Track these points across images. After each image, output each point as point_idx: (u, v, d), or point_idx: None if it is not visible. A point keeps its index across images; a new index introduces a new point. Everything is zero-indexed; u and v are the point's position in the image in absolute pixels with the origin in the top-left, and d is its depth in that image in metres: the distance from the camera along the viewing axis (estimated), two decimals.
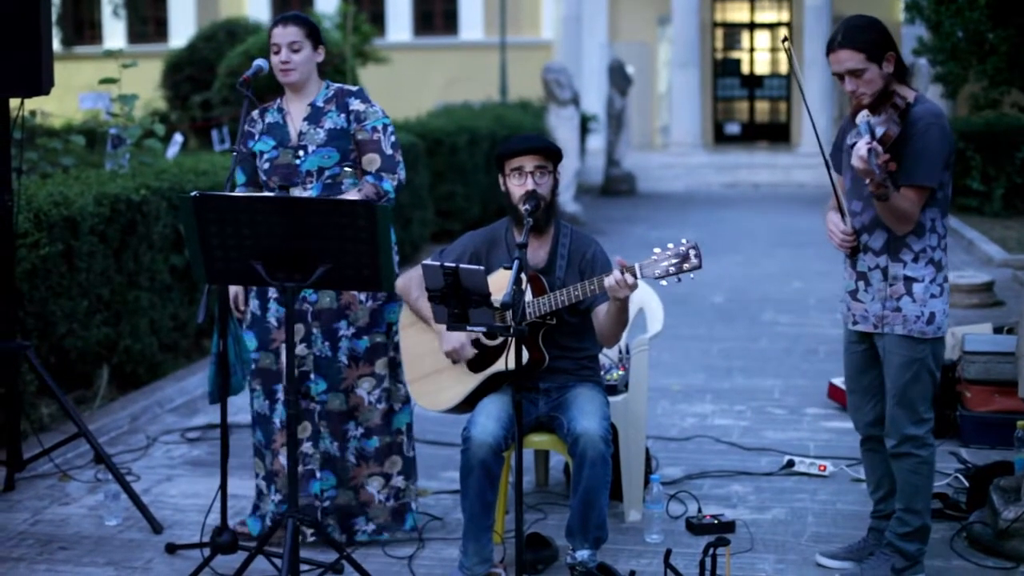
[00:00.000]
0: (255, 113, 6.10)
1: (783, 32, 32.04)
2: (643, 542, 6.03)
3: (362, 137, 5.96)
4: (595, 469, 5.38)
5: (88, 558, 5.94)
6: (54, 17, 22.72)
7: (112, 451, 7.37)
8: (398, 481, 6.09)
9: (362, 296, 5.94)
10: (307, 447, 5.98)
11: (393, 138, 6.01)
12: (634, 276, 5.23)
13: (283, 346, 5.86)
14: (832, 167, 5.56)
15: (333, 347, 5.92)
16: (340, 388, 5.94)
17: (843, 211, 5.42)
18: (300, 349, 5.91)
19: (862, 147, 4.92)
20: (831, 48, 5.23)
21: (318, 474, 5.98)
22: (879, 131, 5.06)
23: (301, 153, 5.90)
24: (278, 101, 6.06)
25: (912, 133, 5.15)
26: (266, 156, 5.90)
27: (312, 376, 5.94)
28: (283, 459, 5.96)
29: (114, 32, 31.03)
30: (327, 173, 5.90)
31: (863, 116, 5.08)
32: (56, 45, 23.70)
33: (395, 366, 6.07)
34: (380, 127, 5.98)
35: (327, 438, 5.95)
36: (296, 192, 5.86)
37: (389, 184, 5.90)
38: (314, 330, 5.92)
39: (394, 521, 6.10)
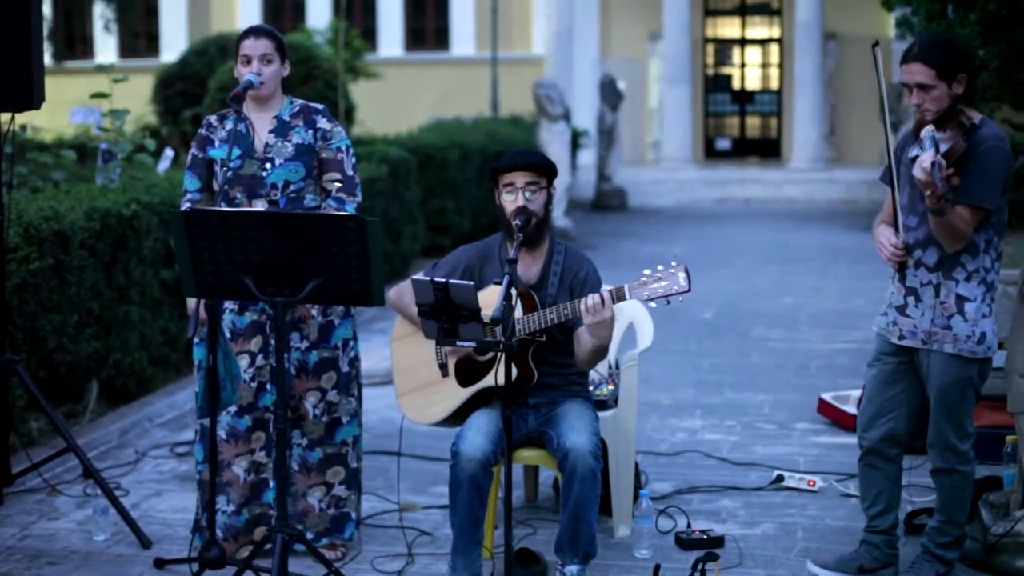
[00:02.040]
0: (212, 119, 6.09)
1: (774, 48, 32.15)
2: (632, 557, 6.03)
3: (327, 155, 5.98)
4: (584, 485, 5.38)
5: (76, 573, 5.93)
6: (45, 31, 22.70)
7: (101, 466, 7.36)
8: (339, 490, 6.08)
9: (315, 311, 5.94)
10: (261, 456, 5.99)
11: (354, 159, 6.06)
12: (612, 301, 5.24)
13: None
14: (886, 181, 5.54)
15: (286, 359, 5.90)
16: (290, 400, 5.92)
17: (897, 224, 5.43)
18: (259, 360, 5.92)
19: (927, 159, 4.95)
20: (906, 59, 5.28)
21: (270, 483, 5.99)
22: (944, 146, 5.08)
23: (268, 165, 5.90)
24: (241, 109, 6.01)
25: (975, 153, 5.18)
26: (230, 164, 5.86)
27: (268, 387, 5.94)
28: (236, 469, 5.96)
29: (105, 47, 31.00)
30: (292, 187, 5.90)
31: (928, 131, 5.12)
32: (47, 59, 23.67)
33: (347, 381, 6.06)
34: (344, 147, 6.01)
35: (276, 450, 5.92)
36: (259, 204, 5.85)
37: (351, 207, 5.93)
38: (272, 342, 5.91)
39: (333, 529, 6.09)
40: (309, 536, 5.97)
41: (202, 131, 6.08)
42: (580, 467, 5.38)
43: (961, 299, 5.33)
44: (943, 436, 5.43)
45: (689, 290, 5.24)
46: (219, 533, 5.96)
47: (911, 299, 5.44)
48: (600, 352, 5.51)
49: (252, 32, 5.99)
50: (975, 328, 5.33)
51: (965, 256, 5.30)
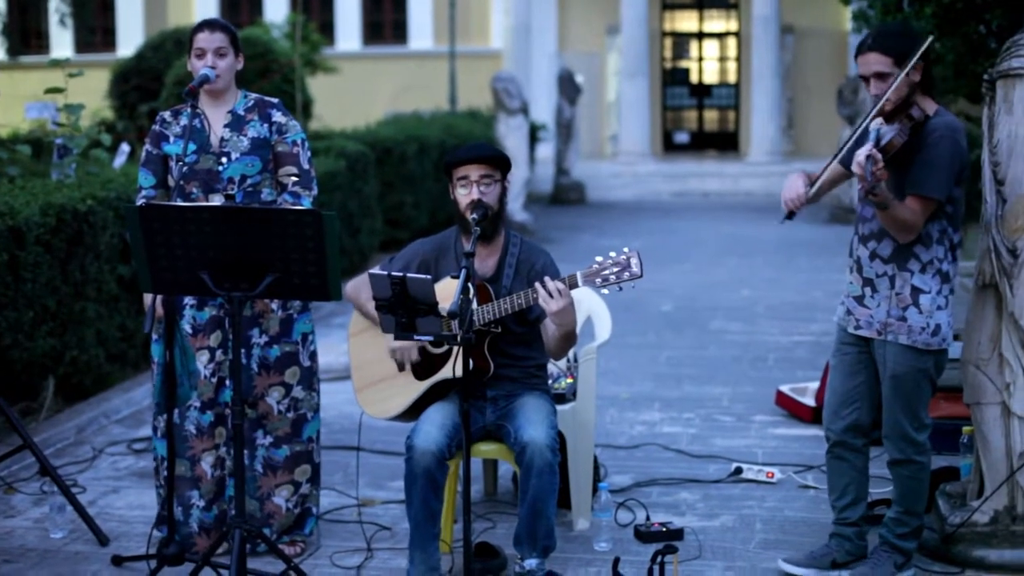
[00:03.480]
0: (166, 114, 6.06)
1: (732, 41, 32.24)
2: (592, 550, 6.03)
3: (282, 149, 5.97)
4: (542, 478, 5.38)
5: (33, 571, 5.89)
6: (0, 26, 22.61)
7: (58, 463, 7.31)
8: (306, 488, 6.07)
9: (274, 305, 5.93)
10: (224, 451, 5.97)
11: (309, 153, 6.05)
12: (564, 285, 5.24)
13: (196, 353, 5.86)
14: (841, 161, 5.54)
15: (246, 354, 5.89)
16: (250, 395, 5.90)
17: (815, 182, 5.44)
18: (219, 355, 5.90)
19: (862, 153, 5.00)
20: (860, 50, 5.30)
21: (228, 480, 5.97)
22: (884, 139, 5.12)
23: (224, 160, 5.88)
24: (194, 104, 5.98)
25: (924, 144, 5.22)
26: (186, 159, 5.82)
27: (227, 382, 5.92)
28: (204, 465, 5.93)
29: (61, 41, 30.81)
30: (248, 181, 5.88)
31: (876, 123, 5.17)
32: (1, 54, 23.58)
33: (308, 375, 6.05)
34: (299, 141, 6.00)
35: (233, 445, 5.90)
36: (215, 199, 5.82)
37: (307, 201, 5.92)
38: (230, 337, 5.90)
39: (295, 526, 6.08)
40: (272, 537, 5.96)
41: (156, 127, 6.04)
42: (537, 460, 5.38)
43: (916, 291, 5.35)
44: (899, 427, 5.46)
45: (641, 275, 5.25)
46: (193, 527, 5.96)
47: (867, 290, 5.46)
48: (568, 338, 5.51)
49: (206, 25, 5.96)
50: (929, 320, 5.36)
51: (919, 247, 5.33)
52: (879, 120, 5.20)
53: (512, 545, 5.57)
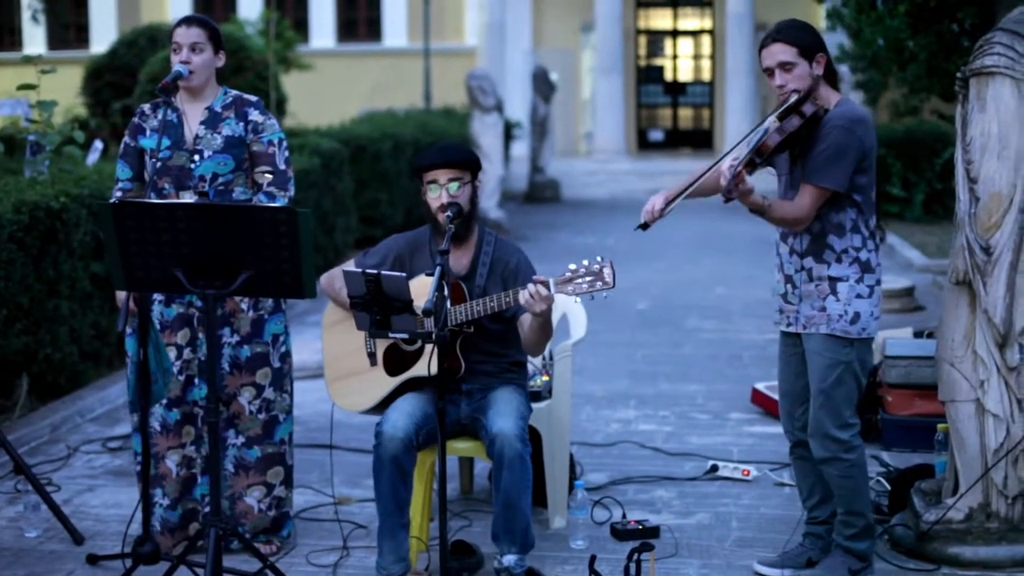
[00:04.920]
0: (146, 107, 6.04)
1: (706, 39, 32.29)
2: (568, 548, 6.03)
3: (257, 148, 5.93)
4: (513, 470, 5.37)
5: (8, 571, 5.86)
6: None
7: (32, 461, 7.28)
8: (280, 491, 6.04)
9: (244, 305, 5.90)
10: (191, 450, 5.95)
11: (287, 153, 6.00)
12: (548, 290, 5.24)
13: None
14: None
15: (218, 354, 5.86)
16: (222, 394, 5.87)
17: (672, 201, 5.49)
18: (187, 353, 5.88)
19: (726, 162, 5.14)
20: (764, 44, 5.37)
21: (199, 479, 5.95)
22: (770, 141, 5.22)
23: (196, 157, 5.85)
24: (171, 100, 5.97)
25: (819, 135, 5.25)
26: (159, 155, 5.80)
27: (196, 381, 5.90)
28: (169, 463, 5.91)
29: (34, 38, 30.70)
30: (220, 179, 5.85)
31: (770, 121, 5.24)
32: None
33: (280, 377, 6.02)
34: (276, 141, 5.96)
35: (208, 443, 5.87)
36: (187, 196, 5.80)
37: (282, 201, 5.87)
38: (200, 335, 5.87)
39: (272, 529, 6.05)
40: (246, 535, 5.93)
41: (135, 119, 6.02)
42: (507, 451, 5.37)
43: (833, 280, 5.36)
44: (820, 424, 5.43)
45: (613, 286, 5.24)
46: (155, 526, 5.92)
47: (789, 287, 5.50)
48: (545, 329, 5.49)
49: (184, 21, 5.95)
50: (848, 307, 5.34)
51: (832, 237, 5.35)
52: (772, 118, 5.26)
53: (491, 541, 5.56)
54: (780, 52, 5.30)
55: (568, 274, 5.26)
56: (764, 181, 5.53)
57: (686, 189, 5.50)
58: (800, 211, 5.29)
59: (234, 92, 6.05)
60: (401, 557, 5.48)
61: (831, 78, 5.41)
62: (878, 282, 5.43)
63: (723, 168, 5.14)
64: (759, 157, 5.24)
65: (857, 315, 5.34)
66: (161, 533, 5.90)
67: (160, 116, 5.92)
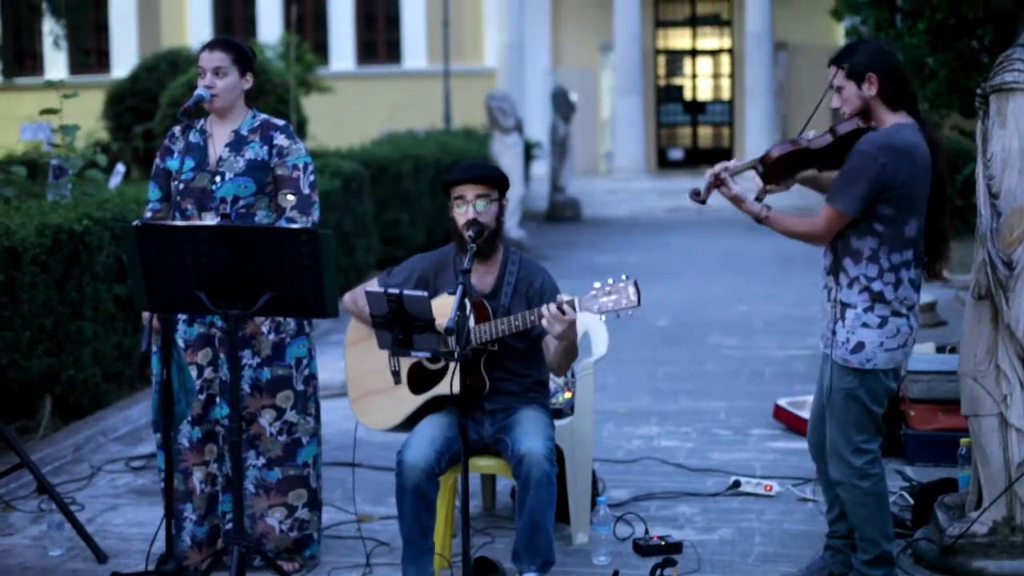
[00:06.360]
0: (176, 129, 6.07)
1: (725, 58, 32.30)
2: (591, 564, 6.03)
3: (281, 173, 5.93)
4: (540, 490, 5.38)
5: None
6: None
7: (56, 481, 7.30)
8: (303, 513, 6.04)
9: (265, 327, 5.91)
10: (214, 468, 5.97)
11: (312, 178, 5.99)
12: (571, 310, 5.24)
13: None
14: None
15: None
16: (243, 414, 5.86)
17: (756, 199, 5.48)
18: (208, 372, 5.90)
19: (719, 165, 5.38)
20: (828, 65, 5.41)
21: (221, 496, 5.97)
22: (774, 151, 5.37)
23: (218, 179, 5.87)
24: (201, 122, 6.02)
25: (849, 157, 5.23)
26: (181, 177, 5.84)
27: (217, 400, 5.92)
28: (195, 480, 5.94)
29: (55, 63, 30.84)
30: (241, 202, 5.87)
31: (810, 132, 5.37)
32: None
33: (303, 400, 6.03)
34: (301, 165, 5.95)
35: (229, 462, 5.88)
36: (208, 217, 5.82)
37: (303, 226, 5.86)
38: (220, 355, 5.89)
39: (295, 550, 6.05)
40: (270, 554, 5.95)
41: (165, 141, 6.07)
42: (535, 472, 5.38)
43: (844, 305, 5.34)
44: (834, 446, 5.42)
45: (638, 304, 5.24)
46: (186, 540, 5.95)
47: (822, 303, 5.49)
48: (570, 351, 5.51)
49: (208, 45, 5.98)
50: (851, 336, 5.30)
51: (847, 261, 5.32)
52: (813, 131, 5.37)
53: (511, 560, 5.57)
54: (832, 75, 5.34)
55: (593, 292, 5.27)
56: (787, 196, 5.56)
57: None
58: (811, 227, 5.29)
59: (263, 116, 6.06)
60: None
61: (899, 99, 5.31)
62: (895, 315, 5.30)
63: (715, 168, 5.31)
64: (763, 166, 5.30)
65: (861, 344, 5.29)
66: (191, 548, 5.92)
67: (188, 138, 5.95)
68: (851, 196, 5.19)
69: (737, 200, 5.36)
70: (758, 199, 5.43)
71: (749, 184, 5.48)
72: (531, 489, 5.39)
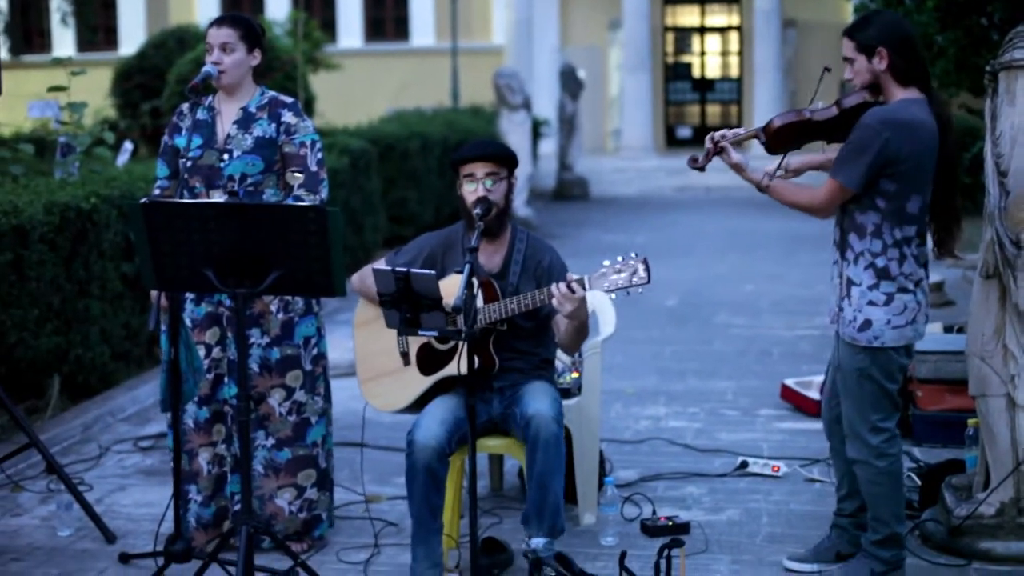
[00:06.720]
0: (185, 107, 6.04)
1: (734, 35, 32.22)
2: (598, 544, 6.04)
3: (289, 150, 5.91)
4: (548, 451, 5.39)
5: (41, 569, 5.90)
6: (1, 26, 22.59)
7: (64, 461, 7.31)
8: (311, 493, 6.04)
9: (274, 306, 5.91)
10: (222, 448, 5.97)
11: (320, 155, 5.96)
12: (581, 288, 5.24)
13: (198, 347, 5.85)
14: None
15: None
16: (251, 394, 5.86)
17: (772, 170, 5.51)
18: (216, 352, 5.90)
19: (717, 133, 5.45)
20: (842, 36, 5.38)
21: (229, 477, 5.97)
22: (776, 120, 5.38)
23: (226, 156, 5.86)
24: (209, 99, 6.01)
25: (852, 131, 5.21)
26: (189, 154, 5.82)
27: (225, 380, 5.92)
28: (202, 460, 5.95)
29: (63, 40, 30.81)
30: (249, 180, 5.85)
31: (817, 103, 5.32)
32: (4, 53, 23.56)
33: (312, 380, 6.03)
34: (308, 143, 5.93)
35: (238, 442, 5.88)
36: (216, 195, 5.81)
37: (311, 203, 5.85)
38: (229, 334, 5.89)
39: (304, 532, 6.05)
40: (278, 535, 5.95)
41: (174, 118, 6.05)
42: (543, 432, 5.38)
43: (850, 282, 5.30)
44: (851, 425, 5.39)
45: (649, 281, 5.24)
46: (191, 522, 5.96)
47: (831, 279, 5.47)
48: (581, 330, 5.52)
49: (216, 21, 5.96)
50: (858, 314, 5.26)
51: (852, 236, 5.28)
52: (822, 102, 5.34)
53: (520, 533, 5.56)
54: (844, 46, 5.29)
55: (603, 270, 5.27)
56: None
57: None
58: (812, 199, 5.27)
59: (271, 93, 6.04)
60: (435, 563, 5.48)
61: (910, 73, 5.23)
62: (902, 291, 5.25)
63: (714, 135, 5.38)
64: (765, 135, 5.32)
65: (868, 322, 5.25)
66: (196, 529, 5.93)
67: (197, 115, 5.94)
68: (853, 170, 5.15)
69: (738, 168, 5.37)
70: (772, 176, 5.42)
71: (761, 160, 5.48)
72: (539, 451, 5.39)
